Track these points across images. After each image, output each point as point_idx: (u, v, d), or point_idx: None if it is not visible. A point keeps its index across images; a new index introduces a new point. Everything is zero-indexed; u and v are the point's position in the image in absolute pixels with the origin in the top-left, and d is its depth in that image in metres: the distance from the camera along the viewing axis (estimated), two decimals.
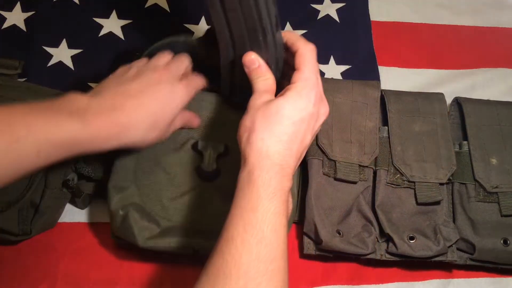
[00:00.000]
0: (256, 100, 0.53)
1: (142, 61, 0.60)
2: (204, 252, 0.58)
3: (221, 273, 0.43)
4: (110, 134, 0.52)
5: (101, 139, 0.51)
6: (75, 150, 0.50)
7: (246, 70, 0.55)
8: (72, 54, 0.77)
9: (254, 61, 0.55)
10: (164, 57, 0.61)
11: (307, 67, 0.53)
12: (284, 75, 0.58)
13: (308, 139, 0.53)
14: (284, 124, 0.50)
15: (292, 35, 0.56)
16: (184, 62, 0.61)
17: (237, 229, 0.46)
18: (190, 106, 0.62)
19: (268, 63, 0.56)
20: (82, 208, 0.66)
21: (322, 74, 0.78)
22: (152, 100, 0.55)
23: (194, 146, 0.63)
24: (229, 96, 0.65)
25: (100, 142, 0.51)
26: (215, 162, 0.63)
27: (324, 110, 0.54)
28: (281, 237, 0.46)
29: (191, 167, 0.63)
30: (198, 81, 0.63)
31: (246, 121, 0.51)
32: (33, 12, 0.79)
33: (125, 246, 0.62)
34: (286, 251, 0.47)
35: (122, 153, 0.61)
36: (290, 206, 0.52)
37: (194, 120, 0.64)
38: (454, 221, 0.64)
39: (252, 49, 0.55)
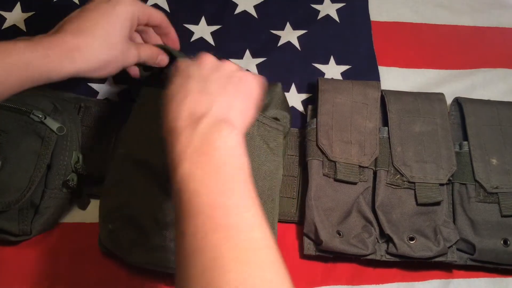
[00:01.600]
0: None
1: None
2: None
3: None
4: (62, 54, 0.51)
5: (54, 61, 0.51)
6: (28, 75, 0.50)
7: None
8: None
9: None
10: None
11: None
12: None
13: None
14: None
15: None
16: None
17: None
18: None
19: None
20: (82, 209, 0.66)
21: (322, 74, 0.78)
22: (96, 16, 0.55)
23: None
24: None
25: (54, 65, 0.51)
26: None
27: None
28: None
29: None
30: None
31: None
32: (33, 12, 0.79)
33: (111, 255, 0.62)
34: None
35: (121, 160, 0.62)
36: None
37: (162, 58, 0.64)
38: (454, 221, 0.64)
39: None
